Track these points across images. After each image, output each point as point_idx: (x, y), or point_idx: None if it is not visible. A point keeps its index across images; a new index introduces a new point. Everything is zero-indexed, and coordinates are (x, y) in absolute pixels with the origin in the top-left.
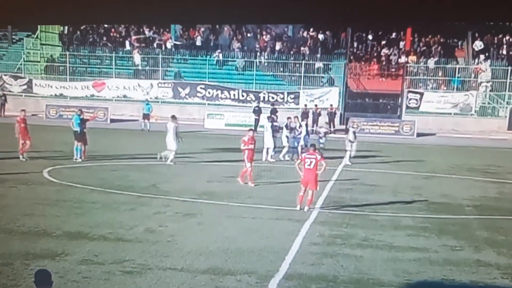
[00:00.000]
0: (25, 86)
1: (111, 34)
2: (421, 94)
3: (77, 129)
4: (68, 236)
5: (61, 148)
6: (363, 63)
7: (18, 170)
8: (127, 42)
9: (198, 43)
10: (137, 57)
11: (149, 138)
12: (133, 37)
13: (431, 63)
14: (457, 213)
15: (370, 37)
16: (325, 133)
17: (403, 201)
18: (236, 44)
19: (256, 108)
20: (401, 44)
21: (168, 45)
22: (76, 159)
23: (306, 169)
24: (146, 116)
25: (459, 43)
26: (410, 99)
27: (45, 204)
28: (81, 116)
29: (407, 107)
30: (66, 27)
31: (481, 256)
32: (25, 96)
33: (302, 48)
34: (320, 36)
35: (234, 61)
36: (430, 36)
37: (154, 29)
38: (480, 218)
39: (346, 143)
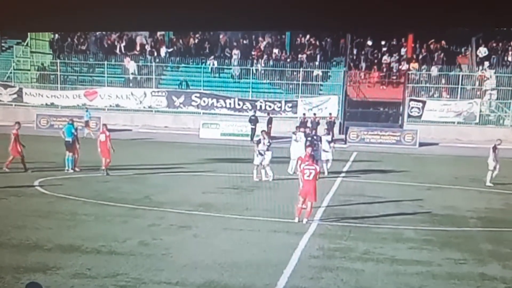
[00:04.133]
0: (15, 95)
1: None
2: (424, 103)
3: (69, 139)
4: (60, 249)
5: (52, 159)
6: (363, 70)
7: (8, 181)
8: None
9: (193, 50)
10: (131, 65)
11: (142, 148)
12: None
13: (433, 70)
14: (461, 225)
15: (370, 43)
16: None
17: (405, 213)
18: (233, 51)
19: (253, 117)
20: (403, 50)
21: (162, 52)
22: (67, 170)
23: (305, 180)
24: (87, 124)
25: (463, 49)
26: (412, 107)
27: (36, 216)
28: (74, 126)
29: (409, 116)
30: (57, 35)
31: (486, 269)
32: (15, 105)
33: (300, 56)
34: (319, 43)
35: (230, 69)
36: (432, 42)
37: (147, 37)
38: (484, 230)
39: (490, 161)
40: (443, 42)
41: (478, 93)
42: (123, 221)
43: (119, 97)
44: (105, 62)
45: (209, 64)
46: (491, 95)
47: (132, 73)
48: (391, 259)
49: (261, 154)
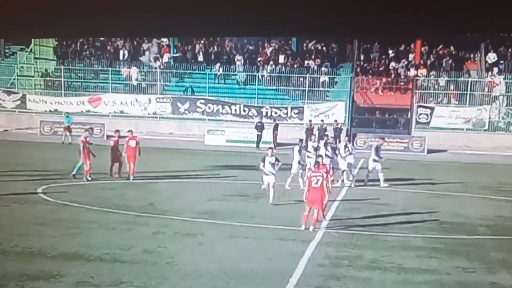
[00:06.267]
0: (19, 102)
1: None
2: (432, 109)
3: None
4: (63, 257)
5: (56, 165)
6: (370, 76)
7: (11, 189)
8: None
9: (198, 56)
10: (134, 72)
11: (146, 155)
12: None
13: (442, 76)
14: (470, 233)
15: (377, 49)
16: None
17: (413, 221)
18: (236, 57)
19: (259, 124)
20: (410, 56)
21: (166, 58)
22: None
23: (312, 188)
24: (67, 129)
25: (471, 55)
26: (420, 114)
27: (40, 224)
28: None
29: (417, 123)
30: (61, 41)
31: (495, 278)
32: (18, 112)
33: (306, 61)
34: (325, 49)
35: (235, 75)
36: (441, 48)
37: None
38: (494, 239)
39: None
40: (451, 47)
41: (487, 99)
42: (127, 228)
43: (123, 103)
44: (109, 69)
45: (215, 70)
46: (500, 102)
47: (136, 79)
48: (399, 267)
49: (266, 174)
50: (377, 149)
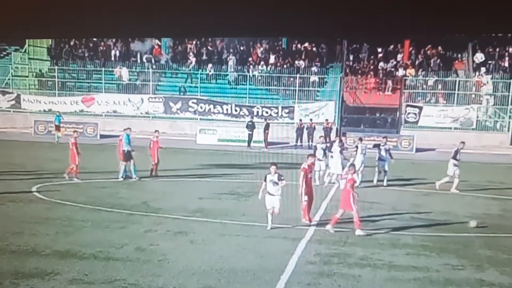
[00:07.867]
0: (13, 102)
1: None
2: (420, 108)
3: (126, 148)
4: (57, 255)
5: (50, 165)
6: (359, 76)
7: (5, 187)
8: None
9: (190, 56)
10: (124, 72)
11: (139, 154)
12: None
13: (430, 76)
14: (458, 231)
15: (366, 49)
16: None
17: (402, 219)
18: (229, 57)
19: (250, 123)
20: (399, 56)
21: (163, 61)
22: (135, 178)
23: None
24: (57, 128)
25: (459, 55)
26: (409, 113)
27: (34, 222)
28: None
29: (406, 122)
30: (55, 41)
31: (483, 275)
32: (13, 111)
33: (296, 62)
34: (315, 49)
35: (227, 74)
36: (429, 48)
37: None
38: (482, 236)
39: None
40: (439, 48)
41: (475, 98)
42: (120, 226)
43: (116, 103)
44: (103, 69)
45: (206, 70)
46: (488, 101)
47: (128, 80)
48: (389, 265)
49: (269, 195)
50: (457, 153)
